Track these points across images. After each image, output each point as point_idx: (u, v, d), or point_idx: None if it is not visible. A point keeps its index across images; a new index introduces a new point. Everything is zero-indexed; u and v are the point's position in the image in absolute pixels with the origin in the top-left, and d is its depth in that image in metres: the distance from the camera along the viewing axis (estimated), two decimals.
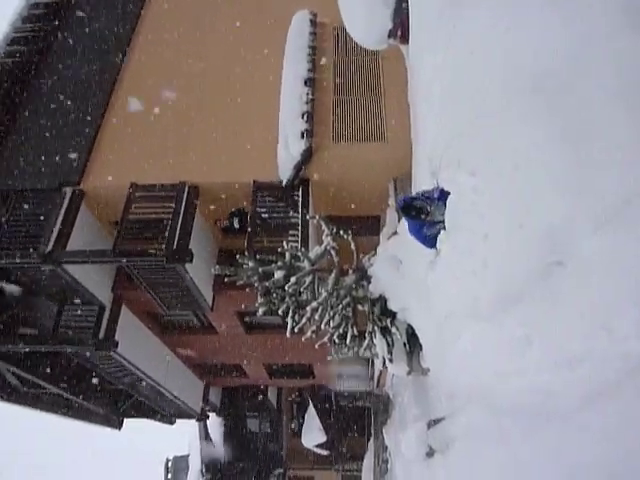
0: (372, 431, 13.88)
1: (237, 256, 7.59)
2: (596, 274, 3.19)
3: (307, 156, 8.80)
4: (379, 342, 7.59)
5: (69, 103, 10.10)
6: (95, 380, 12.32)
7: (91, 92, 10.09)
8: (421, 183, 6.39)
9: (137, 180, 8.93)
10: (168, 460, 22.34)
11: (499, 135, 3.80)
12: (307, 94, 9.49)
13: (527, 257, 3.68)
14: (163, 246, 8.22)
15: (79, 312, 10.03)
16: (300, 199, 8.87)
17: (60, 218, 8.59)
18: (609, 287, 3.20)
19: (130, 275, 9.28)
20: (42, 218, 8.62)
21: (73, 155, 9.29)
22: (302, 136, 8.88)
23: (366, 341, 7.60)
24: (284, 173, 8.82)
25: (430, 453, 6.48)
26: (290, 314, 7.49)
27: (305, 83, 9.68)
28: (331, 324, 7.42)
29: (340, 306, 7.31)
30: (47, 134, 9.68)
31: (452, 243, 4.56)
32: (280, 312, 7.48)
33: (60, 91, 10.40)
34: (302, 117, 9.16)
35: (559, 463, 3.37)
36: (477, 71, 4.24)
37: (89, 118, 9.81)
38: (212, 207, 9.46)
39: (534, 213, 3.47)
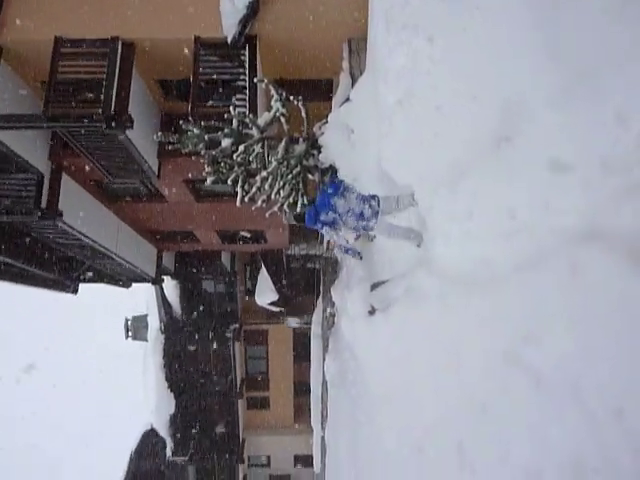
0: (321, 290, 14.78)
1: (181, 122, 7.21)
2: (543, 150, 3.22)
3: (254, 9, 7.97)
4: None
5: None
6: (47, 248, 12.14)
7: None
8: (376, 42, 5.99)
9: (63, 34, 7.93)
10: (127, 320, 23.33)
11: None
12: None
13: (478, 130, 3.65)
14: (100, 110, 7.62)
15: (16, 181, 9.50)
16: (247, 59, 8.23)
17: None
18: (554, 162, 3.25)
19: (67, 142, 8.71)
20: None
21: None
22: None
23: None
24: (229, 29, 8.04)
25: (372, 312, 6.98)
26: (240, 183, 7.41)
27: None
28: (281, 193, 7.44)
29: (290, 175, 7.27)
30: None
31: (404, 113, 4.44)
32: (229, 181, 7.38)
33: None
34: None
35: (491, 327, 3.68)
36: None
37: None
38: (151, 68, 8.67)
39: (490, 86, 3.36)
